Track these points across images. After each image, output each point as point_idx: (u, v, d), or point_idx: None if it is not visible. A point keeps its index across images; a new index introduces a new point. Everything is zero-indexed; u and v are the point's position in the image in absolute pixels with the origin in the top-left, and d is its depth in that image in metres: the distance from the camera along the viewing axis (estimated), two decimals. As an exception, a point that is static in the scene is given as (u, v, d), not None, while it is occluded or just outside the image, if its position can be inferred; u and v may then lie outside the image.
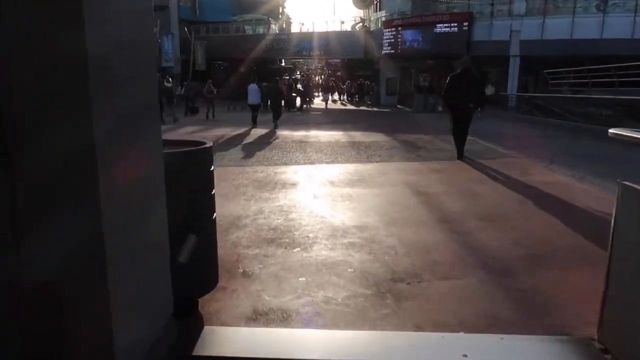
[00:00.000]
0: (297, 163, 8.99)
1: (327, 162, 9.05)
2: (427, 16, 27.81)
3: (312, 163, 9.00)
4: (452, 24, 26.10)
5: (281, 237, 4.59)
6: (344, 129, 15.34)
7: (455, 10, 27.30)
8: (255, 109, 16.91)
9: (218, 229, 4.75)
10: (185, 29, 37.01)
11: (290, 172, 7.99)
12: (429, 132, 13.73)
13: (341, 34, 35.03)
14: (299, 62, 66.77)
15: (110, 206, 1.58)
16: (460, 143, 9.21)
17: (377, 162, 9.08)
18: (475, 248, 4.30)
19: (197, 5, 43.54)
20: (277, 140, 12.42)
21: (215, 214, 3.30)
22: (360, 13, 46.09)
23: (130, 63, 1.79)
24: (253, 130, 15.41)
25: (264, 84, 20.78)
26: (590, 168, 7.91)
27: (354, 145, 11.35)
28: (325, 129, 15.63)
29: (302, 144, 11.63)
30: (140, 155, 1.95)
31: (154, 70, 2.13)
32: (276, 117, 16.56)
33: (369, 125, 17.00)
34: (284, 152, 10.15)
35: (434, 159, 9.50)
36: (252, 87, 17.43)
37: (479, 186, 6.98)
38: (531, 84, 26.80)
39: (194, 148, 3.16)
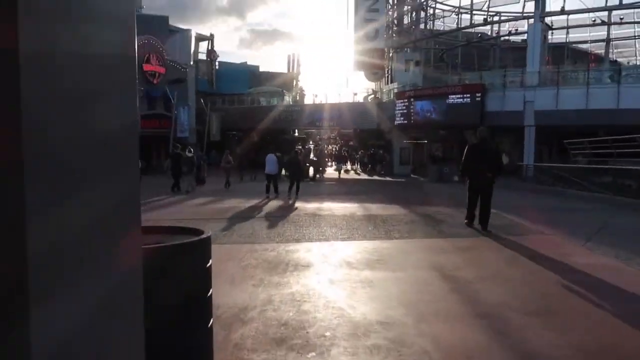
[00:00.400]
0: (310, 239, 8.34)
1: (343, 239, 8.39)
2: (439, 87, 28.01)
3: (326, 239, 8.35)
4: (465, 95, 26.15)
5: (293, 337, 3.87)
6: (359, 201, 14.76)
7: (467, 82, 27.44)
8: (271, 178, 16.73)
9: (219, 323, 4.08)
10: (202, 101, 37.79)
11: (303, 251, 7.33)
12: (447, 205, 13.09)
13: (354, 105, 35.45)
14: (311, 131, 67.81)
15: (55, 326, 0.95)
16: (472, 208, 9.14)
17: (397, 238, 8.41)
18: (529, 357, 3.53)
19: (214, 78, 44.78)
20: (289, 213, 11.85)
21: (211, 321, 2.65)
22: (372, 85, 47.10)
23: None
24: (267, 201, 14.91)
25: (278, 154, 20.77)
26: (634, 248, 7.15)
27: (370, 219, 10.73)
28: (339, 201, 15.08)
29: (316, 217, 11.03)
30: (110, 251, 1.27)
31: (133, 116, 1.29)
32: (293, 188, 16.29)
33: (385, 197, 16.44)
34: (297, 227, 9.54)
35: (457, 235, 8.81)
36: (271, 157, 17.26)
37: (514, 269, 6.25)
38: (545, 153, 26.41)
39: (187, 240, 2.57)
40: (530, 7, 25.66)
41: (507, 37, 38.60)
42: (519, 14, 29.78)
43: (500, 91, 25.53)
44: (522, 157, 24.97)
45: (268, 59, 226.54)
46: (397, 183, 25.50)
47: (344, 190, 20.17)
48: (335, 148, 67.21)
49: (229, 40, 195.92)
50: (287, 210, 12.71)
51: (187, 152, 20.48)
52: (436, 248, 7.63)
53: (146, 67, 33.64)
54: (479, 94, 25.71)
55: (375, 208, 12.91)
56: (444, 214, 11.53)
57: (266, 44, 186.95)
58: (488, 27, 36.15)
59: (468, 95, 26.08)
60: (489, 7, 26.22)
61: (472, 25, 28.43)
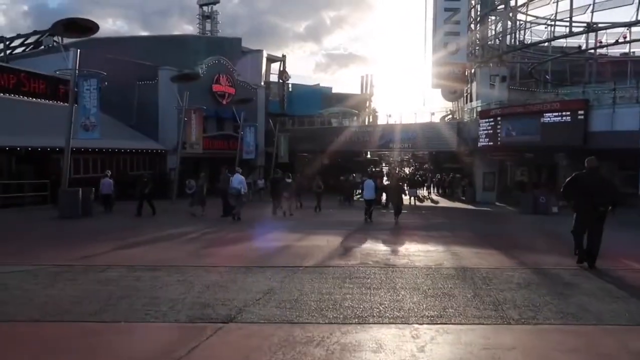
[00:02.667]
0: (381, 318, 5.36)
1: (432, 319, 5.33)
2: (532, 105, 24.08)
3: (406, 320, 5.32)
4: (564, 113, 22.10)
5: None
6: (444, 241, 11.56)
7: (565, 98, 23.33)
8: (370, 203, 16.67)
9: None
10: (270, 121, 36.03)
11: (368, 347, 4.40)
12: (563, 251, 9.52)
13: (430, 126, 32.08)
14: (384, 153, 64.56)
15: None
16: (580, 241, 8.16)
17: (517, 322, 5.22)
18: None
19: (285, 100, 43.16)
20: (356, 261, 8.91)
21: None
22: (449, 105, 43.37)
23: None
24: (338, 239, 12.06)
25: (363, 177, 21.47)
26: None
27: (465, 275, 7.55)
28: (418, 240, 11.95)
29: (389, 269, 8.01)
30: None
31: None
32: (397, 213, 16.25)
33: (474, 234, 13.11)
34: (363, 289, 6.59)
35: (612, 315, 5.49)
36: (369, 183, 17.19)
37: None
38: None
39: None
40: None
41: (605, 50, 33.81)
42: (623, 24, 25.12)
43: (609, 108, 21.25)
44: (637, 185, 20.47)
45: (343, 82, 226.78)
46: (484, 214, 21.79)
47: (422, 223, 16.96)
48: (409, 171, 63.60)
49: (305, 65, 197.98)
50: (354, 253, 9.78)
51: (286, 178, 19.96)
52: (592, 350, 4.42)
53: (215, 88, 32.40)
54: (581, 112, 21.60)
55: (468, 254, 9.66)
56: (569, 269, 8.09)
57: (341, 67, 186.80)
58: (583, 38, 31.66)
59: (568, 113, 22.01)
60: (593, 12, 22.00)
61: (570, 34, 24.28)
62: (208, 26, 48.17)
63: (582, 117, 21.46)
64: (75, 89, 15.76)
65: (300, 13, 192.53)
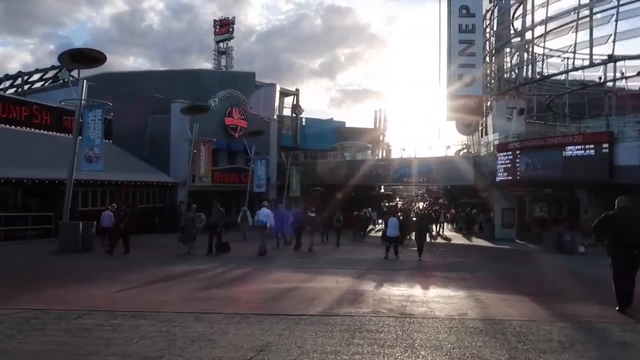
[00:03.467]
0: (397, 391, 4.27)
1: (461, 393, 4.22)
2: (552, 137, 22.98)
3: (428, 394, 4.22)
4: (587, 146, 20.93)
5: None
6: (465, 284, 10.38)
7: (588, 130, 22.22)
8: (392, 241, 16.39)
9: None
10: (282, 155, 35.35)
11: None
12: (603, 300, 8.27)
13: (446, 160, 31.04)
14: (398, 188, 63.37)
15: None
16: (621, 292, 7.36)
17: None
18: None
19: (298, 133, 42.62)
20: (367, 309, 7.80)
21: None
22: (464, 139, 42.37)
23: None
24: (352, 277, 10.95)
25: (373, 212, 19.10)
26: None
27: (495, 329, 6.39)
28: (436, 283, 10.77)
29: (405, 321, 6.88)
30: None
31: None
32: (420, 250, 16.12)
33: (498, 277, 11.92)
34: (373, 347, 5.49)
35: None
36: (393, 221, 16.77)
37: None
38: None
39: None
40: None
41: (624, 83, 32.83)
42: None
43: (635, 140, 20.07)
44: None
45: (356, 116, 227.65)
46: (504, 252, 20.47)
47: (440, 262, 15.72)
48: (423, 206, 62.21)
49: (319, 100, 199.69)
50: (366, 298, 8.67)
51: (310, 212, 19.54)
52: None
53: (228, 121, 31.94)
54: (606, 145, 20.42)
55: (494, 302, 8.48)
56: (616, 323, 6.88)
57: (355, 102, 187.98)
58: (600, 71, 30.76)
59: (591, 146, 20.83)
60: (614, 41, 21.07)
61: (591, 65, 23.34)
62: (223, 62, 48.41)
63: (607, 150, 20.26)
64: (81, 120, 15.17)
65: (315, 50, 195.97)
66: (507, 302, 8.46)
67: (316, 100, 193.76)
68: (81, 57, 15.07)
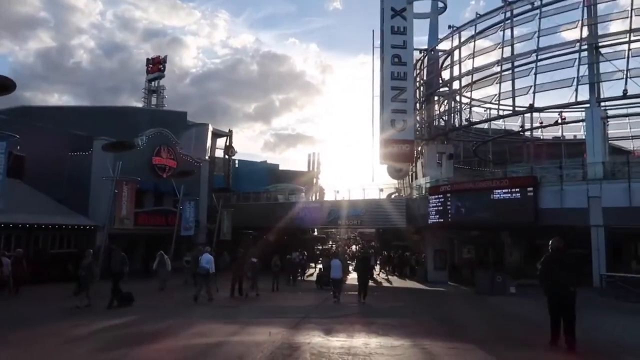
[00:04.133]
0: None
1: None
2: (481, 181, 23.51)
3: None
4: (514, 190, 21.52)
5: None
6: (408, 331, 9.65)
7: (513, 175, 22.96)
8: (337, 283, 16.66)
9: None
10: (213, 197, 33.80)
11: None
12: (547, 343, 7.85)
13: (379, 203, 30.87)
14: (331, 231, 63.02)
15: None
16: (556, 327, 7.86)
17: None
18: None
19: (230, 175, 41.32)
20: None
21: None
22: (395, 182, 42.93)
23: None
24: (283, 331, 9.85)
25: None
26: None
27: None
28: (377, 331, 9.95)
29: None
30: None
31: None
32: (363, 293, 15.83)
33: (438, 321, 11.31)
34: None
35: None
36: (336, 262, 17.27)
37: None
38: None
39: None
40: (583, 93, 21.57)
41: (540, 133, 35.10)
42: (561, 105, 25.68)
43: (557, 185, 20.87)
44: (589, 263, 19.70)
45: (291, 160, 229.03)
46: (440, 295, 20.12)
47: (378, 307, 14.96)
48: (356, 250, 61.99)
49: (254, 144, 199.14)
50: (302, 353, 7.65)
51: (252, 258, 18.96)
52: None
53: (155, 160, 30.15)
54: (530, 189, 21.08)
55: (442, 352, 7.78)
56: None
57: (289, 147, 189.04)
58: (519, 121, 32.72)
59: (517, 190, 21.44)
60: (534, 93, 22.24)
61: (513, 114, 24.50)
62: (154, 101, 46.75)
63: (532, 194, 20.92)
64: (-20, 153, 13.33)
65: (250, 95, 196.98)
66: (455, 352, 7.79)
67: (250, 144, 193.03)
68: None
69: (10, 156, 14.34)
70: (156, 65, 46.90)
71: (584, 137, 36.83)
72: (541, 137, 36.56)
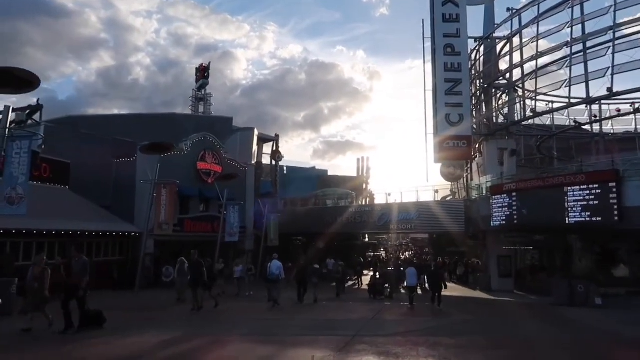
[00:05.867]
0: None
1: None
2: (551, 177, 20.69)
3: None
4: (592, 186, 18.62)
5: None
6: (488, 358, 7.46)
7: (590, 170, 19.99)
8: (413, 290, 17.18)
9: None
10: (259, 202, 32.42)
11: None
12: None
13: (434, 205, 28.40)
14: (382, 237, 60.49)
15: None
16: None
17: None
18: None
19: (277, 180, 39.88)
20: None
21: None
22: (449, 185, 40.09)
23: None
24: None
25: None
26: None
27: None
28: (446, 355, 7.82)
29: None
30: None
31: None
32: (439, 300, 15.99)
33: (520, 342, 9.02)
34: None
35: None
36: (411, 270, 17.85)
37: None
38: None
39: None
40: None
41: (610, 128, 31.60)
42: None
43: (643, 180, 17.82)
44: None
45: (340, 168, 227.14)
46: (511, 307, 17.50)
47: (443, 321, 12.74)
48: (408, 256, 59.04)
49: (303, 152, 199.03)
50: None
51: (314, 264, 19.34)
52: None
53: (200, 165, 29.16)
54: (612, 184, 18.13)
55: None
56: None
57: (338, 154, 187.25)
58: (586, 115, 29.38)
59: (596, 186, 18.53)
60: (613, 75, 19.22)
61: (587, 101, 21.49)
62: (201, 108, 46.31)
63: (614, 190, 17.96)
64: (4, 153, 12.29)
65: (299, 104, 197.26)
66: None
67: (300, 152, 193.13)
68: (10, 80, 12.34)
69: (36, 157, 13.22)
70: (201, 73, 46.47)
71: (661, 129, 33.03)
72: (612, 132, 32.87)
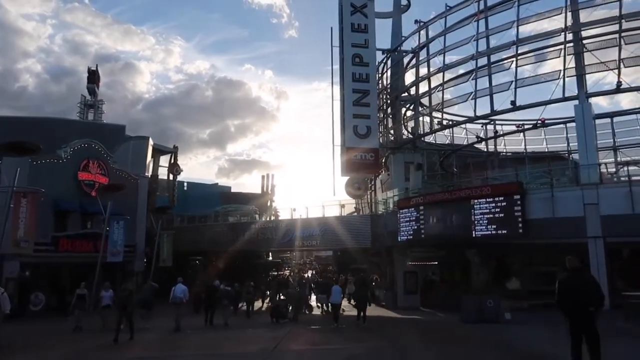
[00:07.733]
0: None
1: None
2: (458, 190, 20.15)
3: None
4: (497, 199, 18.23)
5: None
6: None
7: (496, 182, 19.72)
8: (338, 307, 17.00)
9: None
10: (152, 217, 28.84)
11: None
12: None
13: (339, 220, 26.86)
14: (286, 256, 58.42)
15: None
16: (578, 352, 7.11)
17: None
18: None
19: (175, 195, 36.11)
20: None
21: None
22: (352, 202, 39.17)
23: None
24: None
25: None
26: None
27: None
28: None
29: None
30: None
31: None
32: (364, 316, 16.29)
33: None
34: None
35: None
36: (336, 288, 17.44)
37: None
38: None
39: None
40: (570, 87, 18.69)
41: (503, 147, 32.88)
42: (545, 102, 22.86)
43: (547, 192, 17.73)
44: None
45: (245, 186, 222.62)
46: (420, 326, 16.20)
47: (355, 350, 10.86)
48: (311, 275, 57.33)
49: (208, 170, 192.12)
50: None
51: (225, 286, 18.21)
52: None
53: (82, 176, 25.13)
54: (517, 196, 17.84)
55: None
56: None
57: (244, 172, 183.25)
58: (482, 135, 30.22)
59: (502, 199, 18.16)
60: (516, 89, 19.28)
61: (492, 113, 21.46)
62: (91, 116, 41.31)
63: (519, 202, 17.66)
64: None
65: (204, 120, 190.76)
66: None
67: (204, 170, 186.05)
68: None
69: None
70: (91, 76, 41.82)
71: (545, 149, 35.03)
72: (505, 151, 34.32)
